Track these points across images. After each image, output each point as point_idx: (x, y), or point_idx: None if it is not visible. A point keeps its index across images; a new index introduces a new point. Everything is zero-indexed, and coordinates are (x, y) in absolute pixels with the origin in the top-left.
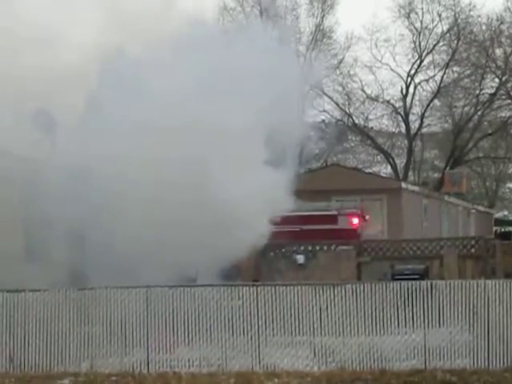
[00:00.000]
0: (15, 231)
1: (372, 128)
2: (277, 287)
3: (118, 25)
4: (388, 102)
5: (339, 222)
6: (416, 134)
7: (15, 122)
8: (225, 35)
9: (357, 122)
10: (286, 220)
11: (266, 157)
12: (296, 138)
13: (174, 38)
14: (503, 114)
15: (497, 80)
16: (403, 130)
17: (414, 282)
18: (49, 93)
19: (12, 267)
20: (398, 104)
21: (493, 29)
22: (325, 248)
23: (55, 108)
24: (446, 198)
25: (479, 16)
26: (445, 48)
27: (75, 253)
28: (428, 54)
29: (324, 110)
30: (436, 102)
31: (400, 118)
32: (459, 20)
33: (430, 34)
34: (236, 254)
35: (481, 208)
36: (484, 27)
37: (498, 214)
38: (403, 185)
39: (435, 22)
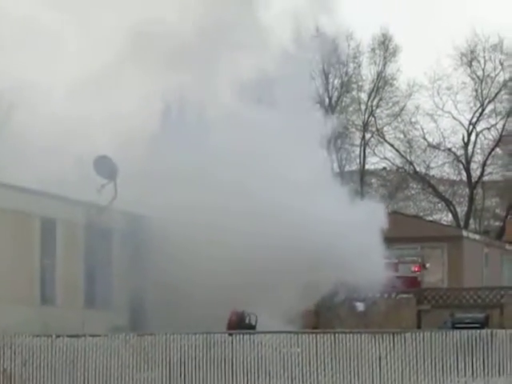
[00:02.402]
0: (76, 276)
1: (433, 176)
2: (336, 335)
3: (180, 68)
4: (449, 150)
5: (400, 269)
6: (477, 182)
7: (80, 170)
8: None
9: (418, 169)
10: None
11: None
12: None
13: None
14: None
15: None
16: (464, 178)
17: (474, 331)
18: (111, 140)
19: (72, 312)
20: (460, 152)
21: None
22: (385, 295)
23: (117, 154)
24: (507, 246)
25: None
26: (507, 96)
27: (135, 297)
28: (490, 102)
29: (385, 158)
30: (497, 150)
31: (461, 166)
32: None
33: (492, 83)
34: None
35: None
36: None
37: None
38: (464, 233)
39: (497, 71)
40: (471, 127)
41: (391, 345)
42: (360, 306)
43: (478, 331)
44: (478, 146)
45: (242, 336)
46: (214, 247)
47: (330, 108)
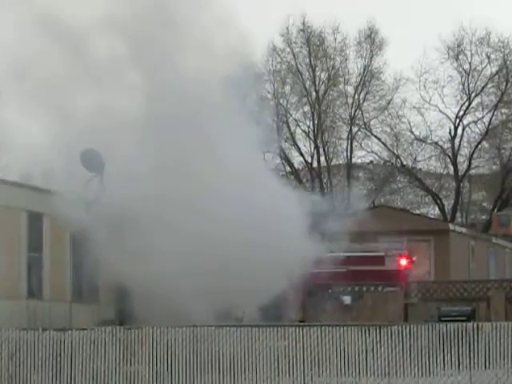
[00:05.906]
0: (64, 270)
1: (420, 169)
2: (323, 328)
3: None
4: (436, 143)
5: (386, 263)
6: (464, 175)
7: (66, 162)
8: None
9: (405, 163)
10: (333, 261)
11: None
12: None
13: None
14: None
15: None
16: (451, 171)
17: (460, 324)
18: (99, 133)
19: (59, 306)
20: (447, 145)
21: None
22: (372, 289)
23: (104, 148)
24: (494, 239)
25: None
26: (493, 90)
27: (122, 292)
28: (476, 95)
29: (372, 151)
30: (484, 143)
31: (448, 160)
32: (508, 62)
33: (479, 76)
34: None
35: None
36: None
37: None
38: (451, 226)
39: (484, 64)
40: (458, 121)
41: (378, 338)
42: (347, 300)
43: (464, 324)
44: (465, 139)
45: (228, 329)
46: (199, 239)
47: (317, 101)
